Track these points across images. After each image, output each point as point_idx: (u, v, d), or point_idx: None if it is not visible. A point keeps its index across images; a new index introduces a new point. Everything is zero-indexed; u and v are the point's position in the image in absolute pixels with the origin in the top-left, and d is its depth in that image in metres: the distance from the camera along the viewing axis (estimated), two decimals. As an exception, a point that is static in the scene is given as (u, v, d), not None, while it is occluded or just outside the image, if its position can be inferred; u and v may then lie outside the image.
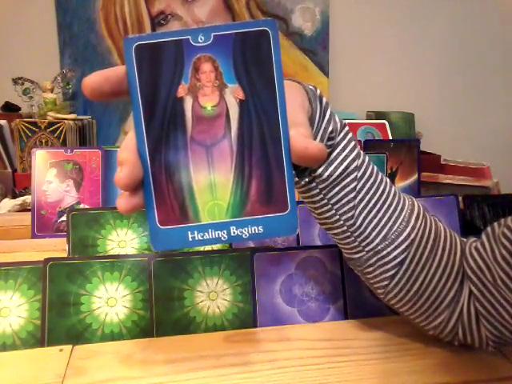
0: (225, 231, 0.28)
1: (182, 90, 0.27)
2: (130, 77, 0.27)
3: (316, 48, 1.62)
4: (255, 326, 0.48)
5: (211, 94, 0.28)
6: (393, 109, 1.56)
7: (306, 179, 0.38)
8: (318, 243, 0.60)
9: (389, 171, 0.86)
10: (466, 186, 1.04)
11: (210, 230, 0.28)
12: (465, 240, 0.44)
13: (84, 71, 1.46)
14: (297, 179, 0.38)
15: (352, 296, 0.51)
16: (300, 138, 0.28)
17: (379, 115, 1.46)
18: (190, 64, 0.27)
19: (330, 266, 0.51)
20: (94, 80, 0.27)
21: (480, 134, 1.80)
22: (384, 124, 1.21)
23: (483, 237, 0.41)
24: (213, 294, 0.48)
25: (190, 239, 0.28)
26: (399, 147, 0.88)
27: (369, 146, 0.90)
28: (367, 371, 0.40)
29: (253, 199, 0.28)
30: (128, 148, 0.27)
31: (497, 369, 0.41)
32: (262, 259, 0.50)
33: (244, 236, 0.28)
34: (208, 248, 0.58)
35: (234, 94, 0.28)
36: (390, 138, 1.19)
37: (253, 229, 0.28)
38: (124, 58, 0.27)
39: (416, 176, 0.88)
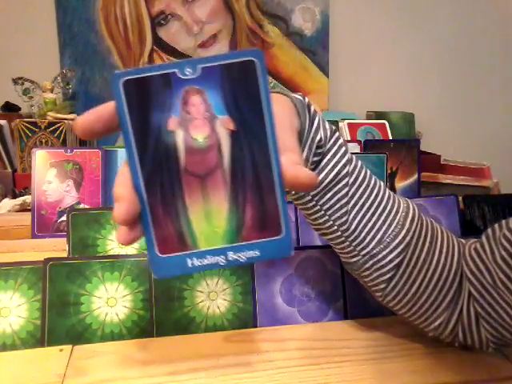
0: (223, 256, 0.29)
1: (172, 124, 0.28)
2: (119, 112, 0.27)
3: (316, 48, 1.62)
4: (255, 326, 0.48)
5: (202, 126, 0.28)
6: (393, 109, 1.56)
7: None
8: (318, 243, 0.60)
9: (389, 171, 0.86)
10: (466, 186, 1.04)
11: (208, 256, 0.29)
12: (463, 241, 0.44)
13: (84, 71, 1.46)
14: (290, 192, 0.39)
15: (352, 296, 0.51)
16: (290, 166, 0.28)
17: (379, 115, 1.46)
18: (179, 97, 0.27)
19: (330, 265, 0.51)
20: (85, 120, 0.27)
21: (480, 134, 1.80)
22: (384, 124, 1.21)
23: (483, 238, 0.41)
24: (213, 294, 0.48)
25: (190, 265, 0.28)
26: (399, 147, 0.88)
27: (369, 146, 0.90)
28: (367, 371, 0.40)
29: (248, 225, 0.29)
30: (123, 183, 0.27)
31: (497, 369, 0.41)
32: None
33: (241, 260, 0.29)
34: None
35: (224, 126, 0.28)
36: (390, 137, 1.19)
37: (249, 253, 0.29)
38: (113, 91, 0.27)
39: (416, 176, 0.88)
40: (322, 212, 0.39)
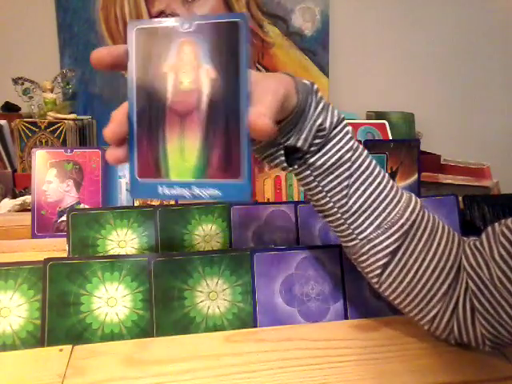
0: (187, 189, 0.33)
1: (166, 67, 0.33)
2: (129, 53, 0.33)
3: (316, 48, 1.62)
4: (255, 326, 0.48)
5: (189, 72, 0.32)
6: (393, 109, 1.56)
7: (296, 166, 0.41)
8: (318, 243, 0.60)
9: (389, 171, 0.85)
10: (466, 186, 1.04)
11: (175, 187, 0.33)
12: (465, 239, 0.44)
13: (84, 71, 1.46)
14: (288, 167, 0.41)
15: (352, 296, 0.51)
16: (255, 114, 0.31)
17: (379, 115, 1.46)
18: (176, 46, 0.33)
19: (330, 265, 0.51)
20: (99, 52, 0.34)
21: (480, 134, 1.80)
22: (384, 124, 1.21)
23: (483, 235, 0.42)
24: (213, 294, 0.48)
25: (160, 192, 0.33)
26: (399, 147, 0.88)
27: (369, 145, 0.90)
28: (367, 371, 0.40)
29: (213, 165, 0.32)
30: (120, 109, 0.33)
31: (497, 369, 0.41)
32: (261, 259, 0.50)
33: (203, 196, 0.32)
34: (208, 248, 0.58)
35: (207, 74, 0.32)
36: (390, 137, 1.19)
37: (211, 191, 0.32)
38: (127, 36, 0.33)
39: (416, 176, 0.88)
40: (324, 193, 0.42)
